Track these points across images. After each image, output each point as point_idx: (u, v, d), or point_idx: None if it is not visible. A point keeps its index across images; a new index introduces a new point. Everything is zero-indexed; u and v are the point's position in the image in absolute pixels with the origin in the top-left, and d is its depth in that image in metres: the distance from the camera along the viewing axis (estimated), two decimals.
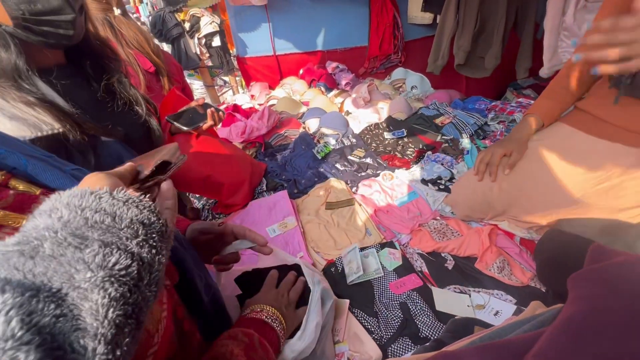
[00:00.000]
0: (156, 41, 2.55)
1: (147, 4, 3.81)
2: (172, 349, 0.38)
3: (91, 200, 0.28)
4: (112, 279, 0.24)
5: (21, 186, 0.36)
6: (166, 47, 3.00)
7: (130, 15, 1.49)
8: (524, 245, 0.95)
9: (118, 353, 0.23)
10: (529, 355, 0.33)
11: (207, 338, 0.49)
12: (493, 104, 1.73)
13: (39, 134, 0.63)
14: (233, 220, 1.26)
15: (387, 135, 1.64)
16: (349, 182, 1.34)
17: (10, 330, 0.19)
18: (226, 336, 0.50)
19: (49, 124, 0.64)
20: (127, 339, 0.24)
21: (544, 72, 1.69)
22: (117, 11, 1.33)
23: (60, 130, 0.65)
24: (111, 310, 0.23)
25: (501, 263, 0.88)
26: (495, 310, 0.79)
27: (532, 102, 1.34)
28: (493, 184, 0.97)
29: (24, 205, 0.35)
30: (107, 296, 0.23)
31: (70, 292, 0.23)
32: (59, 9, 0.62)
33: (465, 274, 0.90)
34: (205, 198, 1.52)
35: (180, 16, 2.93)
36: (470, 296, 0.84)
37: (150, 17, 3.15)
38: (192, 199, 1.59)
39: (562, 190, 0.86)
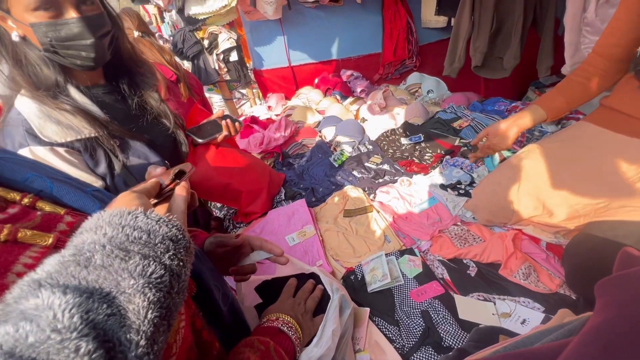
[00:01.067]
0: (177, 59, 2.68)
1: (168, 23, 4.00)
2: (192, 358, 0.39)
3: (129, 219, 0.33)
4: (150, 286, 0.29)
5: (47, 207, 0.39)
6: (187, 65, 3.13)
7: (152, 36, 1.61)
8: (551, 250, 0.91)
9: (155, 348, 0.27)
10: None
11: (227, 347, 0.50)
12: (513, 104, 1.69)
13: (79, 137, 0.76)
14: (253, 229, 1.29)
15: (403, 140, 1.62)
16: (366, 189, 1.34)
17: (73, 324, 0.23)
18: (243, 344, 0.51)
19: (87, 129, 0.77)
20: (162, 337, 0.28)
21: (566, 70, 1.63)
22: (136, 33, 1.50)
23: (95, 134, 0.77)
24: (150, 311, 0.27)
25: (527, 269, 0.85)
26: (522, 318, 0.76)
27: None
28: (515, 187, 0.93)
29: (50, 225, 0.38)
30: (146, 300, 0.28)
31: (117, 295, 0.27)
32: (80, 34, 0.71)
33: (489, 281, 0.87)
34: (226, 208, 1.56)
35: (199, 34, 3.05)
36: (495, 304, 0.81)
37: (171, 37, 3.30)
38: (213, 209, 1.64)
39: (591, 192, 0.82)
